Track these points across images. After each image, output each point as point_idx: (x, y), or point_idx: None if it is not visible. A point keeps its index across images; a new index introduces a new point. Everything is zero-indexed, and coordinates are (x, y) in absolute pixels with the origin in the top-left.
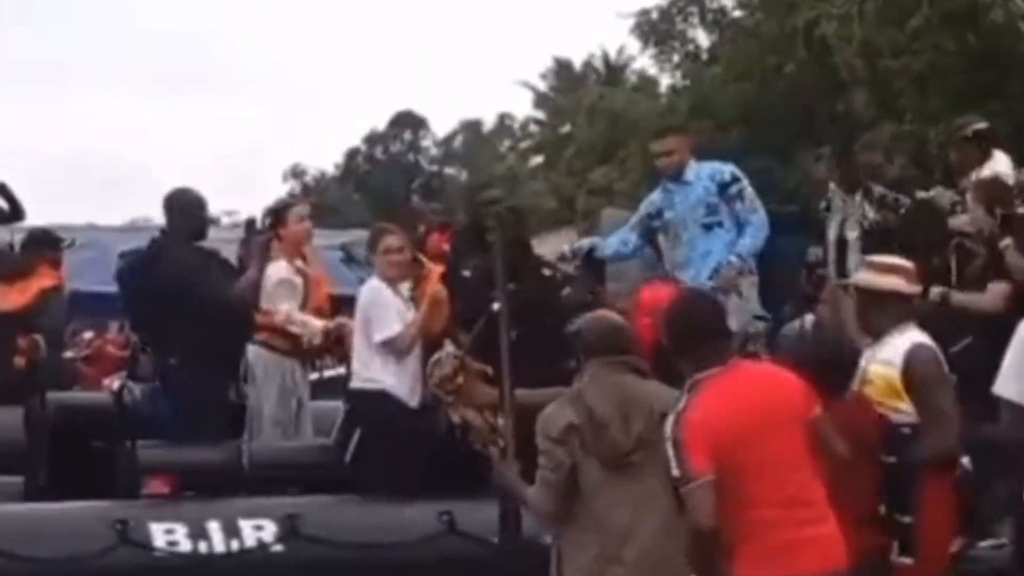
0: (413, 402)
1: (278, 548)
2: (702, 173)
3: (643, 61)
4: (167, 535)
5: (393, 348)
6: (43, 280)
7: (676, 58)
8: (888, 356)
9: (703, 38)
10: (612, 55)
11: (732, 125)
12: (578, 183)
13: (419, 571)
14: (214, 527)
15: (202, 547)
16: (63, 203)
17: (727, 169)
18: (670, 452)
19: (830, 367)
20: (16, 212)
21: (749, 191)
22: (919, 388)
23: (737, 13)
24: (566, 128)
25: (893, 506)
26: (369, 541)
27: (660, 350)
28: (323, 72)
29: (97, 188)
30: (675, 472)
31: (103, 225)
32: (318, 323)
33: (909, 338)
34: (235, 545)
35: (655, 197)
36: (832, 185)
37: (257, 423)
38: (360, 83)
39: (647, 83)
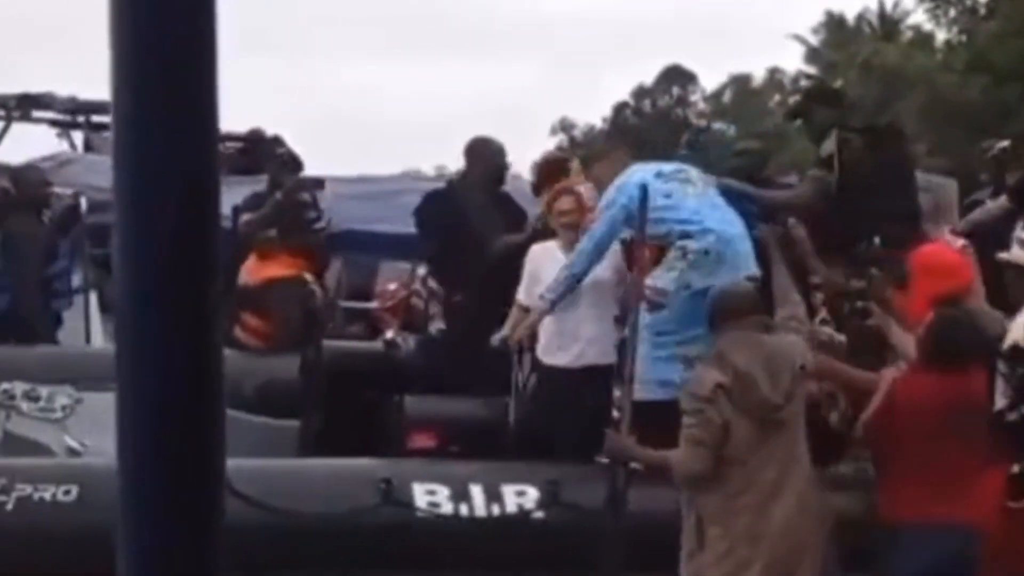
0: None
1: (539, 515)
2: None
3: (918, 15)
4: (429, 496)
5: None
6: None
7: (953, 12)
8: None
9: None
10: (887, 9)
11: (1009, 80)
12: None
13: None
14: (476, 491)
15: (463, 510)
16: (332, 158)
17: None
18: None
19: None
20: (296, 162)
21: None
22: None
23: None
24: (838, 83)
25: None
26: (630, 510)
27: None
28: (590, 25)
29: (368, 143)
30: None
31: (373, 176)
32: None
33: None
34: (496, 510)
35: None
36: None
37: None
38: (630, 37)
39: (923, 38)
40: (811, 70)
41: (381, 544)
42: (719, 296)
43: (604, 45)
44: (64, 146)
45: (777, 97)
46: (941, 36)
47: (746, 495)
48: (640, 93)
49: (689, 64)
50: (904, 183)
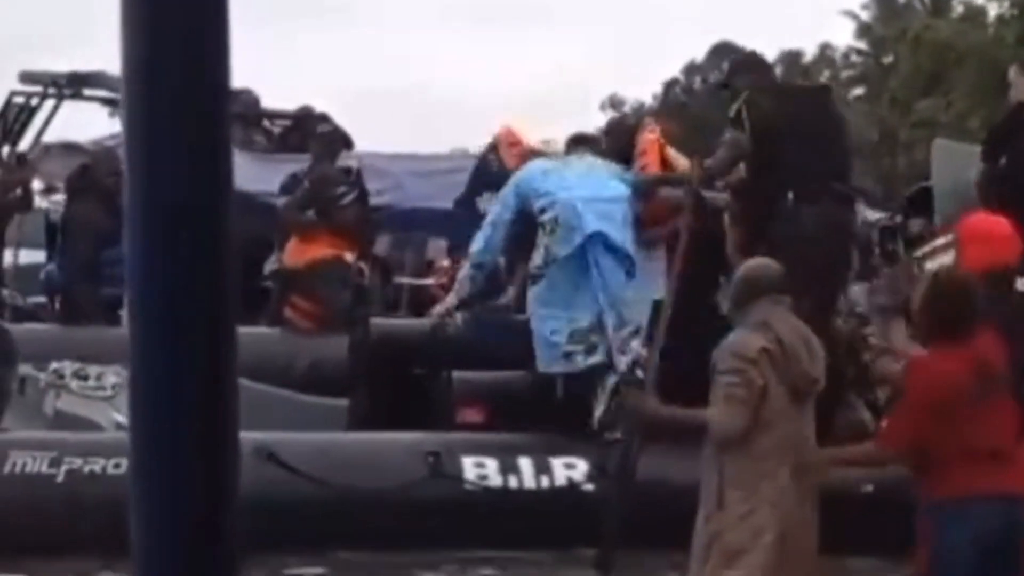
0: None
1: (588, 488)
2: None
3: None
4: (478, 469)
5: None
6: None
7: None
8: None
9: None
10: None
11: None
12: (901, 115)
13: None
14: (525, 463)
15: (512, 483)
16: (379, 134)
17: None
18: None
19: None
20: (346, 140)
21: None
22: None
23: None
24: (889, 59)
25: None
26: (683, 483)
27: (991, 278)
28: (643, 1)
29: (413, 120)
30: None
31: (424, 154)
32: None
33: None
34: (545, 482)
35: None
36: None
37: None
38: (680, 13)
39: (974, 13)
40: (861, 45)
41: (430, 517)
42: (752, 272)
43: (654, 21)
44: (116, 124)
45: (828, 73)
46: (993, 11)
47: (770, 460)
48: (690, 70)
49: (740, 40)
50: (821, 140)
